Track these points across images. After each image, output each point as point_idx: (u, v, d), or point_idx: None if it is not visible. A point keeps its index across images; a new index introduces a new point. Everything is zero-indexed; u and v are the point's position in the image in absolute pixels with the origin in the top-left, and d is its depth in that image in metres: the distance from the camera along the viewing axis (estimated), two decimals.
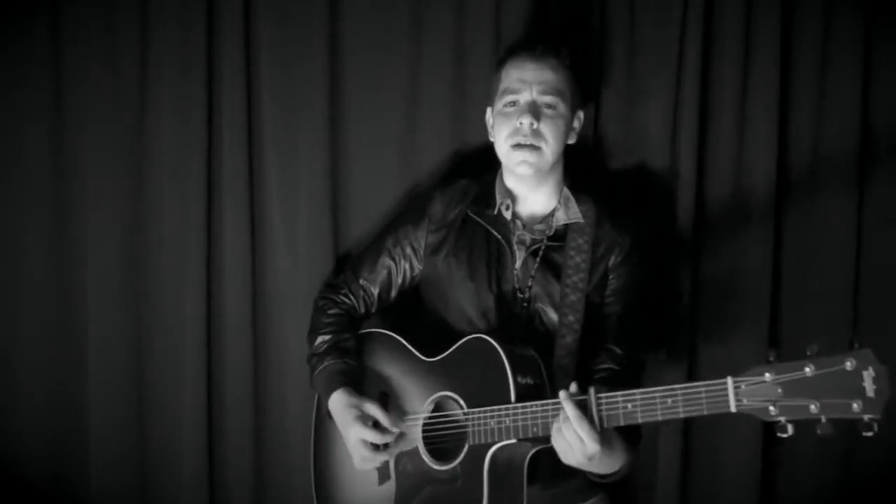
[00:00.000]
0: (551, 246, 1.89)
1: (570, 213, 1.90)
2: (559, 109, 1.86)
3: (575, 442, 1.57)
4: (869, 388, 1.32)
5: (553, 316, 1.85)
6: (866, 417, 1.33)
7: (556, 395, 1.61)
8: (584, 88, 1.96)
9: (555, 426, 1.60)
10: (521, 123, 1.83)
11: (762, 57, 2.06)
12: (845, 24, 2.06)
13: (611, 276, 1.89)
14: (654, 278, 1.98)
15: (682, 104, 2.08)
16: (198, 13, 2.10)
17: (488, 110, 1.95)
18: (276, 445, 2.21)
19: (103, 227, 2.16)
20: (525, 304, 1.87)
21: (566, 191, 1.92)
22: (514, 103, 1.86)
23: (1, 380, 2.19)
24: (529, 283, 1.88)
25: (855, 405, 1.33)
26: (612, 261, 1.89)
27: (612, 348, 1.84)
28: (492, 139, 1.93)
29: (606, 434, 1.59)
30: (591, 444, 1.56)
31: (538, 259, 1.88)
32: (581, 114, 1.94)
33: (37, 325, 2.18)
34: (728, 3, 2.06)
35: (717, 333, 2.12)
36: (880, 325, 2.10)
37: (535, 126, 1.83)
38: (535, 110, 1.83)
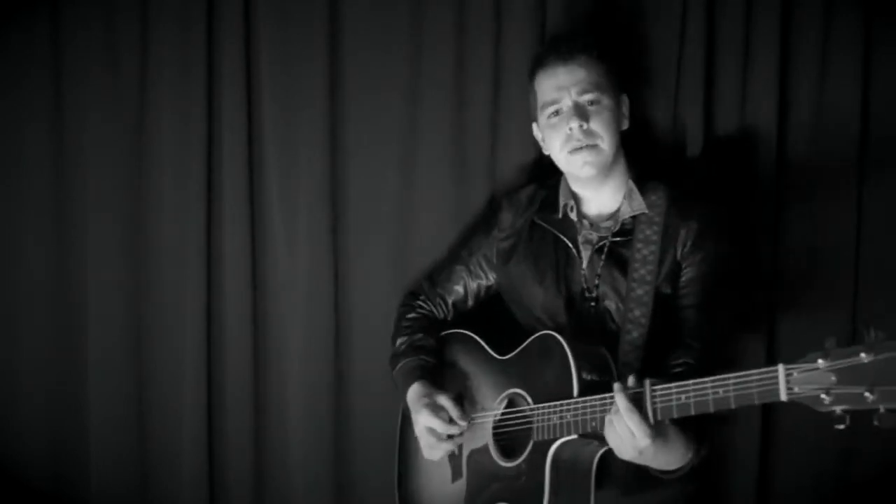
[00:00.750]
0: (618, 241, 1.85)
1: (635, 205, 1.85)
2: (603, 102, 1.83)
3: (626, 435, 1.54)
4: None
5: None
6: None
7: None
8: (620, 73, 1.91)
9: (607, 418, 1.57)
10: (571, 129, 1.81)
11: (762, 57, 2.06)
12: (845, 24, 2.06)
13: (683, 266, 1.82)
14: (734, 265, 1.87)
15: (683, 104, 2.07)
16: (198, 13, 2.10)
17: (534, 126, 1.94)
18: (276, 445, 2.21)
19: (103, 227, 2.16)
20: (593, 304, 1.85)
21: (630, 182, 1.87)
22: (557, 112, 1.83)
23: (1, 380, 2.19)
24: (596, 282, 1.85)
25: None
26: (680, 250, 1.82)
27: (690, 342, 1.77)
28: (546, 153, 1.91)
29: (661, 427, 1.54)
30: (642, 438, 1.52)
31: (603, 256, 1.85)
32: (626, 98, 1.90)
33: (37, 325, 2.19)
34: (728, 3, 2.06)
35: None
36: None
37: (585, 127, 1.80)
38: (581, 112, 1.81)
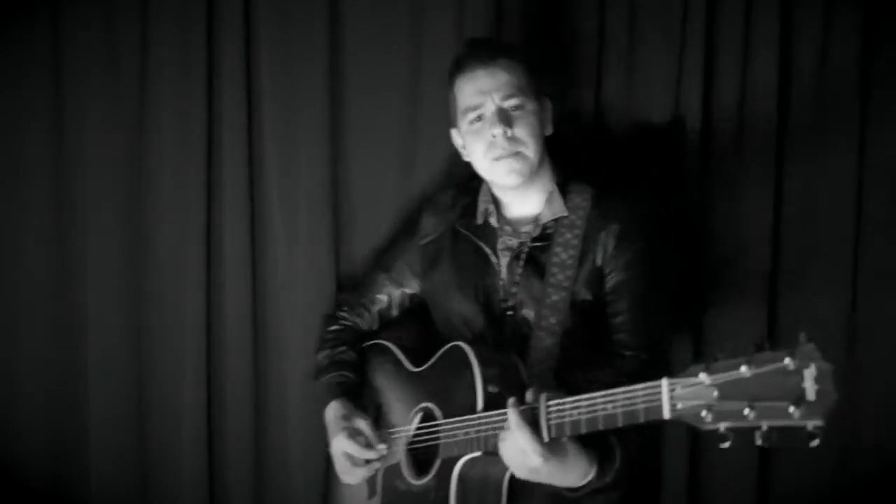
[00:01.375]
0: (538, 247, 1.79)
1: (554, 209, 1.80)
2: (527, 107, 1.75)
3: (516, 453, 1.48)
4: (810, 389, 1.11)
5: None
6: (809, 425, 1.12)
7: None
8: (545, 77, 1.86)
9: (501, 435, 1.52)
10: (494, 136, 1.73)
11: (762, 57, 2.06)
12: (845, 24, 2.06)
13: (607, 272, 1.75)
14: (662, 264, 1.81)
15: (683, 105, 2.07)
16: (198, 13, 2.10)
17: (453, 132, 1.87)
18: (276, 445, 2.21)
19: (103, 227, 2.16)
20: (510, 312, 1.79)
21: (552, 185, 1.82)
22: (479, 118, 1.75)
23: (1, 380, 2.19)
24: (514, 290, 1.79)
25: (792, 409, 1.11)
26: (601, 254, 1.75)
27: (624, 352, 1.72)
28: (467, 159, 1.85)
29: (557, 445, 1.47)
30: (534, 457, 1.45)
31: (522, 263, 1.80)
32: (548, 102, 1.83)
33: (37, 325, 2.18)
34: (728, 3, 2.06)
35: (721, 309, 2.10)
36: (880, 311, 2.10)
37: (509, 133, 1.72)
38: (504, 117, 1.73)
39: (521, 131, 1.74)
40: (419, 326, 1.98)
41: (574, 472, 1.52)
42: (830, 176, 2.08)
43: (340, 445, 1.82)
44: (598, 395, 1.38)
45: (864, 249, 2.08)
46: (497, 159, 1.75)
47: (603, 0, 2.08)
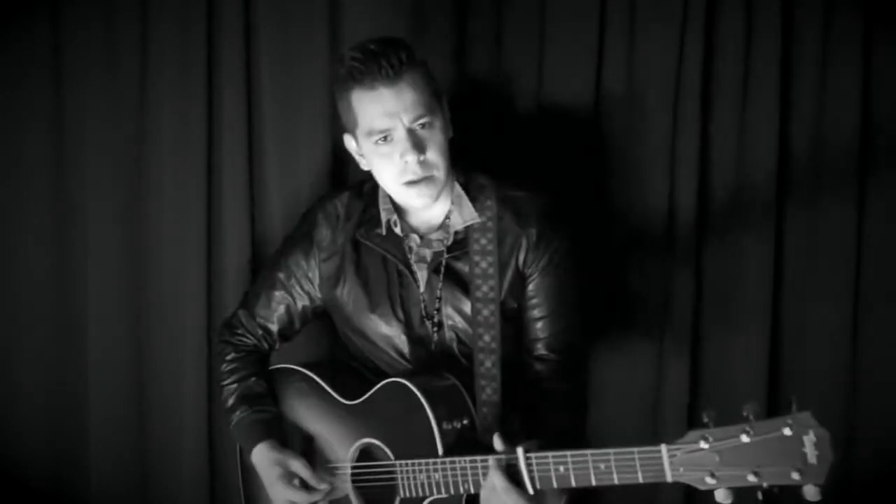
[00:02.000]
0: (455, 256, 1.73)
1: (465, 214, 1.73)
2: (436, 124, 1.68)
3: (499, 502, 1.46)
4: (810, 454, 1.22)
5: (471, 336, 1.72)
6: (810, 487, 1.22)
7: (484, 433, 1.55)
8: (433, 71, 1.77)
9: (485, 486, 1.49)
10: (406, 162, 1.66)
11: (762, 57, 2.06)
12: (845, 24, 2.06)
13: (528, 275, 1.72)
14: (576, 260, 1.78)
15: (683, 104, 2.08)
16: (198, 13, 2.09)
17: (346, 137, 1.78)
18: None
19: (103, 227, 2.16)
20: (437, 329, 1.74)
21: (458, 188, 1.74)
22: (386, 138, 1.66)
23: (1, 380, 2.19)
24: (437, 306, 1.73)
25: (795, 474, 1.22)
26: (521, 258, 1.71)
27: (547, 355, 1.71)
28: (365, 168, 1.76)
29: (539, 495, 1.47)
30: None
31: (441, 276, 1.73)
32: (445, 100, 1.74)
33: (37, 325, 2.18)
34: (728, 4, 2.06)
35: (718, 333, 2.12)
36: (880, 325, 2.11)
37: (421, 158, 1.65)
38: (416, 143, 1.65)
39: (433, 154, 1.68)
40: (331, 345, 1.93)
41: None
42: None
43: (283, 495, 1.73)
44: (587, 453, 1.41)
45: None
46: (409, 184, 1.69)
47: None
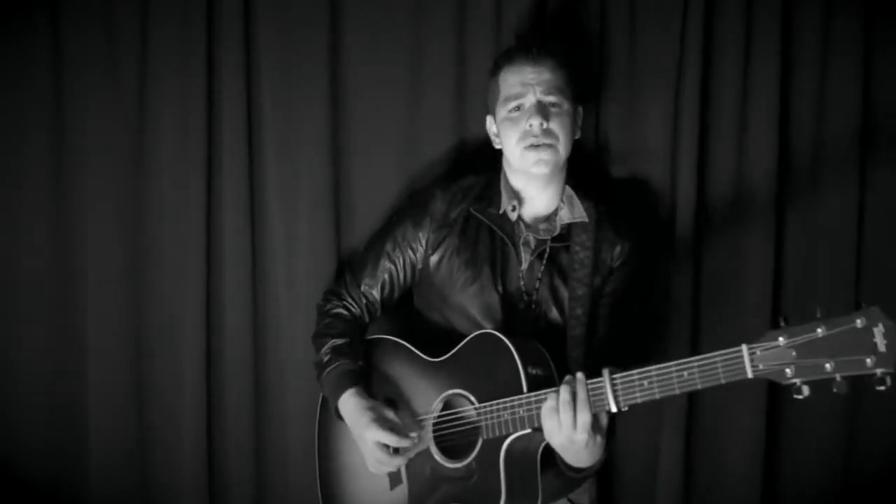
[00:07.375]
0: (556, 247, 1.89)
1: (575, 212, 1.90)
2: (564, 107, 1.85)
3: (568, 424, 1.59)
4: (881, 343, 1.36)
5: (557, 316, 1.87)
6: (879, 371, 1.36)
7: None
8: (580, 86, 1.94)
9: (547, 405, 1.61)
10: (530, 125, 1.82)
11: (762, 57, 2.07)
12: (845, 25, 2.06)
13: (610, 278, 1.90)
14: (644, 284, 2.02)
15: (683, 105, 2.08)
16: (198, 13, 2.10)
17: (488, 119, 1.95)
18: (276, 445, 2.21)
19: (103, 227, 2.16)
20: (533, 307, 1.88)
21: (569, 189, 1.92)
22: (519, 107, 1.85)
23: (1, 380, 2.19)
24: (536, 286, 1.88)
25: (868, 360, 1.36)
26: (613, 263, 1.90)
27: (599, 346, 1.86)
28: (497, 146, 1.93)
29: (599, 425, 1.61)
30: (581, 431, 1.58)
31: (544, 261, 1.88)
32: (581, 109, 1.93)
33: (37, 325, 2.18)
34: (728, 5, 2.06)
35: (718, 332, 2.12)
36: None
37: (545, 125, 1.82)
38: (542, 110, 1.82)
39: (556, 126, 1.84)
40: (415, 318, 2.00)
41: (594, 452, 1.65)
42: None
43: (374, 436, 1.81)
44: (671, 365, 1.52)
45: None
46: (529, 147, 1.83)
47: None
